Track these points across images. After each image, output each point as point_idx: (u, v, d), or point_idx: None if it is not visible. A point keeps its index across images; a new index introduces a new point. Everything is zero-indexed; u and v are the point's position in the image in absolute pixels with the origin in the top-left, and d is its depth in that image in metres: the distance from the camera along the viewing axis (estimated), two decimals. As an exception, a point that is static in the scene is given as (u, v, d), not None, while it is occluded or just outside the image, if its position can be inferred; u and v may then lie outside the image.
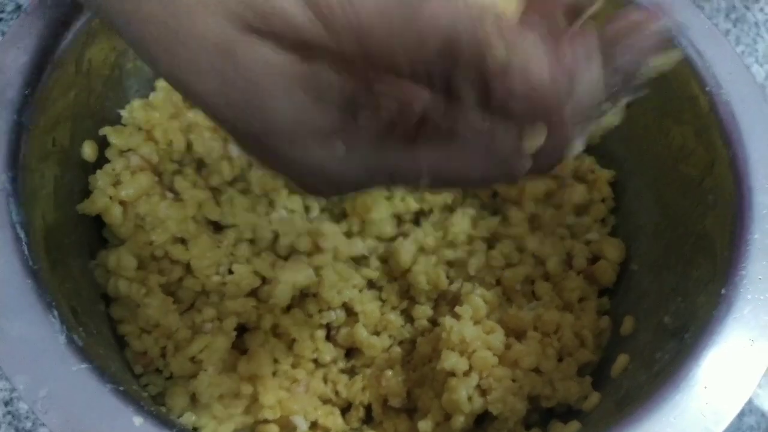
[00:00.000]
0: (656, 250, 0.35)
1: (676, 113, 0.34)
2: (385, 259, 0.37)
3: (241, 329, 0.35)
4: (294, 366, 0.35)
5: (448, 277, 0.37)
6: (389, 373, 0.35)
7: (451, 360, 0.33)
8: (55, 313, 0.23)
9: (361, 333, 0.35)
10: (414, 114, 0.19)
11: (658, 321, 0.32)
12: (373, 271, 0.37)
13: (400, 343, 0.37)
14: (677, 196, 0.34)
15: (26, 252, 0.24)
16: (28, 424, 0.34)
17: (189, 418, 0.31)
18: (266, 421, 0.34)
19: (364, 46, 0.18)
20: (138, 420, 0.22)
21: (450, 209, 0.39)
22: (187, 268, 0.35)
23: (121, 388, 0.22)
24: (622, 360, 0.33)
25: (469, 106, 0.19)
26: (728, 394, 0.25)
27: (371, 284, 0.37)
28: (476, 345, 0.33)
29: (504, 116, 0.19)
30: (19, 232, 0.24)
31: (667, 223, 0.35)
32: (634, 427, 0.26)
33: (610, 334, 0.36)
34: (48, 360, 0.22)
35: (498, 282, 0.37)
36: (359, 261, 0.37)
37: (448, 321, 0.34)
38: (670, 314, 0.31)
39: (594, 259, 0.38)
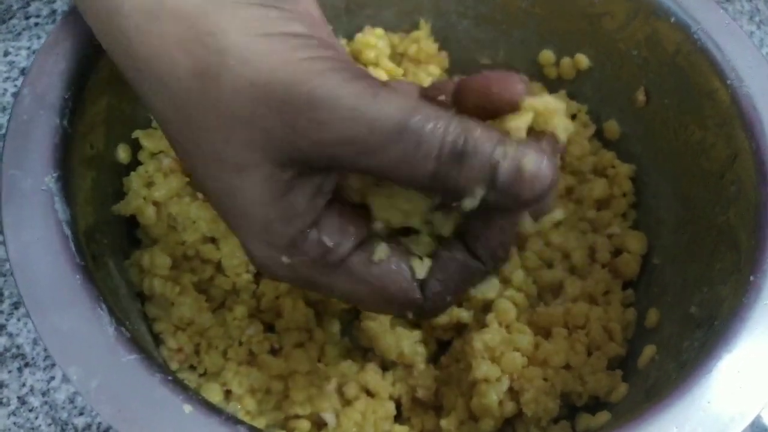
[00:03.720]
0: (679, 243, 0.36)
1: (695, 107, 0.34)
2: None
3: (270, 325, 0.36)
4: (326, 363, 0.35)
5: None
6: (421, 366, 0.35)
7: (483, 369, 0.33)
8: (103, 306, 0.24)
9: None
10: (337, 254, 0.24)
11: (683, 312, 0.32)
12: None
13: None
14: (698, 190, 0.35)
15: (73, 249, 0.25)
16: (65, 414, 0.35)
17: (235, 407, 0.32)
18: (297, 417, 0.34)
19: (359, 158, 0.22)
20: (187, 408, 0.22)
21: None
22: (218, 267, 0.35)
23: (170, 378, 0.23)
24: (648, 351, 0.34)
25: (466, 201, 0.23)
26: (761, 377, 0.26)
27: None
28: (504, 348, 0.34)
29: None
30: (66, 230, 0.25)
31: (689, 216, 0.35)
32: (666, 413, 0.26)
33: (635, 327, 0.36)
34: (98, 351, 0.23)
35: (533, 281, 0.37)
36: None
37: (475, 334, 0.35)
38: (696, 304, 0.32)
39: (616, 252, 0.38)
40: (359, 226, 0.24)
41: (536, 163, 0.21)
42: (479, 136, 0.21)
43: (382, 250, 0.24)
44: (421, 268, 0.25)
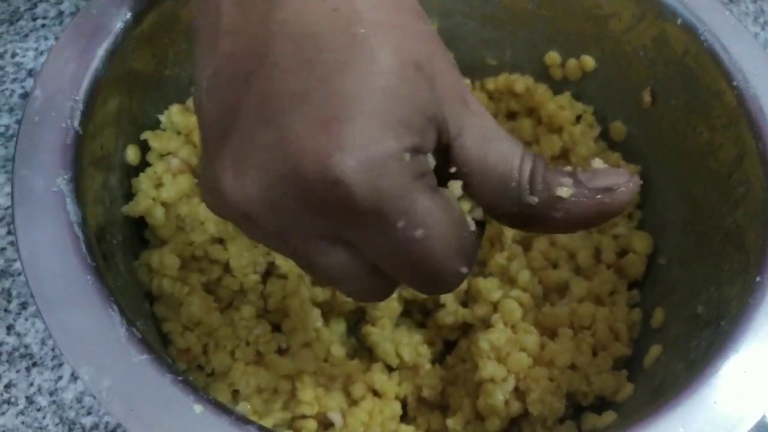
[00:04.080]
0: (686, 243, 0.36)
1: (703, 108, 0.35)
2: None
3: (277, 325, 0.36)
4: (332, 363, 0.35)
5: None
6: (427, 366, 0.35)
7: (489, 369, 0.33)
8: (115, 307, 0.24)
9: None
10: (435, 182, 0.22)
11: (690, 312, 0.32)
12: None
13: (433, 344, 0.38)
14: (706, 190, 0.35)
15: (84, 249, 0.25)
16: (72, 414, 0.35)
17: (244, 407, 0.32)
18: (304, 417, 0.34)
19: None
20: (198, 408, 0.22)
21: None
22: (226, 267, 0.36)
23: (180, 378, 0.23)
24: (654, 351, 0.34)
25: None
26: (768, 378, 0.26)
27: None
28: (510, 348, 0.34)
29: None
30: (77, 231, 0.25)
31: (696, 216, 0.35)
32: (673, 413, 0.26)
33: (641, 327, 0.36)
34: (110, 352, 0.23)
35: (538, 281, 0.37)
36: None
37: (481, 334, 0.35)
38: (703, 304, 0.32)
39: (622, 253, 0.38)
40: None
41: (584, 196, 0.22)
42: (547, 173, 0.22)
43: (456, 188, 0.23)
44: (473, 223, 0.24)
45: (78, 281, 0.24)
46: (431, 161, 0.22)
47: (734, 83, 0.32)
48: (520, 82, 0.41)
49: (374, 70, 0.20)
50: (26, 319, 0.38)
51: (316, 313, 0.36)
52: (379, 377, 0.35)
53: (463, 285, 0.37)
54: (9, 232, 0.40)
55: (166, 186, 0.34)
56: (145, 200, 0.33)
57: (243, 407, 0.32)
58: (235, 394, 0.34)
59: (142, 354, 0.23)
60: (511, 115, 0.43)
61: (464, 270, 0.23)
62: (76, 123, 0.28)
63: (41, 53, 0.46)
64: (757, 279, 0.28)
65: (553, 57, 0.41)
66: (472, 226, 0.23)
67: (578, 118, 0.41)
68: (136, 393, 0.23)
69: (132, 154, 0.34)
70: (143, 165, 0.35)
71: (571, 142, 0.40)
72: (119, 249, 0.32)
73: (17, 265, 0.39)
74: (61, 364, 0.37)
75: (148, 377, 0.23)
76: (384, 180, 0.20)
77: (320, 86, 0.20)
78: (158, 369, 0.23)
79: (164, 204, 0.34)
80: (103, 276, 0.25)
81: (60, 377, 0.36)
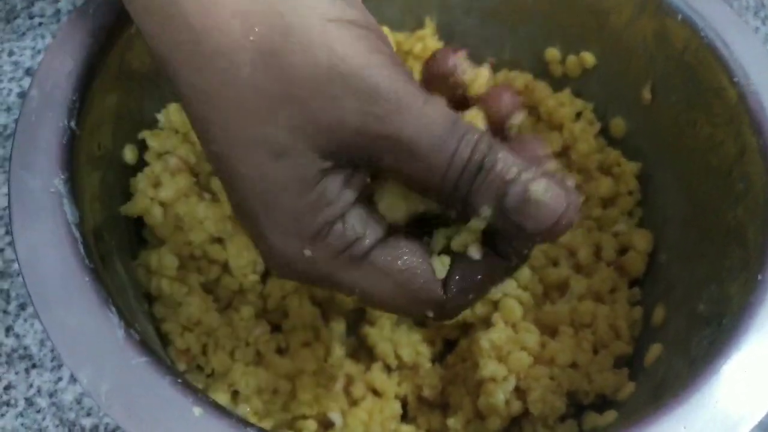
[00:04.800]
0: (686, 240, 0.36)
1: (703, 104, 0.34)
2: None
3: (277, 325, 0.36)
4: (332, 363, 0.35)
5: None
6: (427, 365, 0.35)
7: (490, 368, 0.33)
8: (113, 309, 0.24)
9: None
10: (363, 246, 0.23)
11: (691, 309, 0.32)
12: None
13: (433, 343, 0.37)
14: (706, 187, 0.35)
15: (82, 251, 0.25)
16: (72, 415, 0.35)
17: (244, 410, 0.32)
18: (304, 417, 0.34)
19: (396, 155, 0.22)
20: (198, 410, 0.22)
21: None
22: (225, 267, 0.35)
23: (179, 380, 0.23)
24: (655, 349, 0.34)
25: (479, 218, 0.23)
26: (770, 376, 0.26)
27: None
28: (511, 347, 0.34)
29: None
30: (75, 232, 0.25)
31: (696, 213, 0.35)
32: (672, 412, 0.26)
33: (642, 325, 0.36)
34: (108, 354, 0.23)
35: (539, 280, 0.37)
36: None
37: (481, 333, 0.35)
38: (704, 302, 0.32)
39: (622, 250, 0.38)
40: (382, 221, 0.24)
41: (545, 192, 0.21)
42: (502, 156, 0.22)
43: (405, 244, 0.24)
44: (442, 266, 0.24)
45: (76, 282, 0.24)
46: (354, 228, 0.23)
47: (735, 79, 0.32)
48: (520, 79, 0.41)
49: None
50: (25, 320, 0.38)
51: (316, 312, 0.36)
52: (379, 377, 0.35)
53: None
54: (7, 233, 0.40)
55: (165, 185, 0.34)
56: (143, 200, 0.33)
57: (243, 409, 0.32)
58: (235, 394, 0.33)
59: (140, 356, 0.23)
60: (511, 112, 0.42)
61: (430, 314, 0.24)
62: (72, 122, 0.28)
63: (38, 52, 0.46)
64: (759, 277, 0.28)
65: (552, 53, 0.41)
66: (440, 273, 0.24)
67: (578, 115, 0.41)
68: (135, 396, 0.22)
69: (129, 153, 0.34)
70: (141, 164, 0.35)
71: (572, 139, 0.40)
72: (117, 249, 0.32)
73: (16, 266, 0.39)
74: (60, 366, 0.36)
75: (147, 380, 0.23)
76: (301, 274, 0.23)
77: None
78: (157, 371, 0.23)
79: (162, 203, 0.34)
80: (101, 277, 0.25)
81: (59, 378, 0.36)
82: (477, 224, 0.23)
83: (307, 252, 0.23)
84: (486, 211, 0.22)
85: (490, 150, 0.22)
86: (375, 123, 0.21)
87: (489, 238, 0.24)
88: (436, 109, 0.22)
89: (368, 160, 0.22)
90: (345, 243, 0.23)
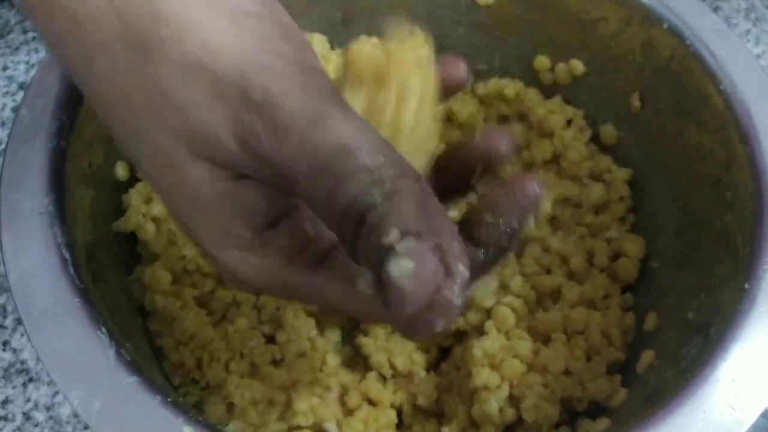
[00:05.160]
0: (677, 247, 0.36)
1: (691, 113, 0.35)
2: None
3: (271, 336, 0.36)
4: (327, 373, 0.35)
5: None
6: (422, 374, 0.35)
7: (483, 376, 0.33)
8: (103, 329, 0.24)
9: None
10: (319, 246, 0.21)
11: (681, 317, 0.33)
12: None
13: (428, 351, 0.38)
14: (695, 194, 0.35)
15: (72, 272, 0.25)
16: (69, 429, 0.35)
17: (235, 427, 0.32)
18: (300, 428, 0.34)
19: (284, 180, 0.19)
20: (188, 430, 0.23)
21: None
22: (219, 280, 0.36)
23: (170, 399, 0.23)
24: (647, 356, 0.34)
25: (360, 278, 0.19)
26: (756, 386, 0.26)
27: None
28: (504, 355, 0.34)
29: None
30: (65, 253, 0.25)
31: (686, 220, 0.36)
32: (665, 421, 0.26)
33: (634, 331, 0.36)
34: (99, 375, 0.23)
35: (531, 287, 0.37)
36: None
37: (474, 341, 0.35)
38: (693, 310, 0.32)
39: (615, 256, 0.38)
40: None
41: (404, 274, 0.16)
42: (395, 211, 0.17)
43: None
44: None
45: (66, 304, 0.24)
46: (306, 230, 0.21)
47: (721, 87, 0.32)
48: (511, 87, 0.41)
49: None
50: (22, 335, 0.38)
51: (310, 322, 0.36)
52: (374, 386, 0.35)
53: None
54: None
55: (157, 201, 0.34)
56: (136, 216, 0.34)
57: (234, 427, 0.32)
58: (231, 406, 0.34)
59: (131, 376, 0.23)
60: (502, 120, 0.43)
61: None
62: (63, 142, 0.28)
63: (32, 66, 0.46)
64: (746, 286, 0.28)
65: (542, 62, 0.41)
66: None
67: (569, 122, 0.41)
68: (126, 415, 0.23)
69: (121, 169, 0.34)
70: (133, 180, 0.35)
71: (562, 147, 0.40)
72: (111, 265, 0.32)
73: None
74: (57, 379, 0.37)
75: (138, 399, 0.23)
76: (249, 284, 0.22)
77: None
78: (148, 391, 0.23)
79: (155, 219, 0.34)
80: (93, 297, 0.25)
81: (56, 392, 0.36)
82: (363, 285, 0.19)
83: (254, 260, 0.21)
84: (366, 276, 0.18)
85: (386, 202, 0.17)
86: (251, 140, 0.18)
87: (464, 226, 0.21)
88: (332, 129, 0.18)
89: (256, 173, 0.19)
90: (298, 245, 0.21)
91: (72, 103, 0.30)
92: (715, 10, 0.50)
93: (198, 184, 0.20)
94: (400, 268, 0.16)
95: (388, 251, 0.16)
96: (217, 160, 0.19)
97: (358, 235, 0.17)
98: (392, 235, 0.16)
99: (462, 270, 0.17)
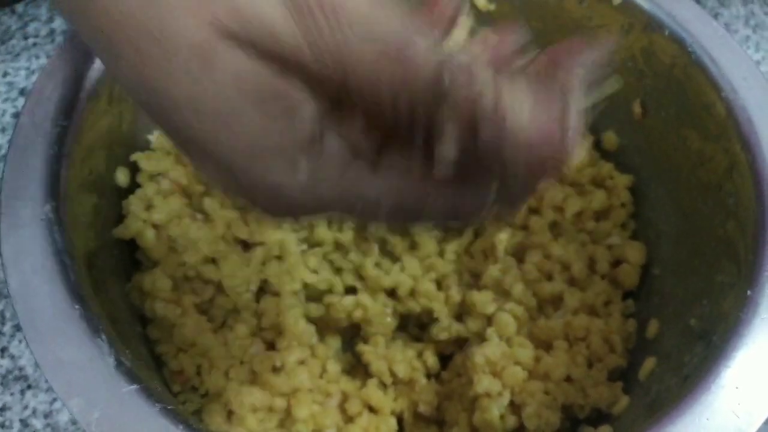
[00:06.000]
0: (679, 254, 0.36)
1: (693, 120, 0.34)
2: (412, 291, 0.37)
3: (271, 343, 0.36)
4: (327, 380, 0.35)
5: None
6: (423, 381, 0.35)
7: (484, 383, 0.33)
8: (103, 337, 0.24)
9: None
10: (371, 146, 0.19)
11: (684, 324, 0.32)
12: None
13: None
14: (697, 201, 0.35)
15: (72, 279, 0.25)
16: (68, 438, 0.35)
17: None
18: (300, 435, 0.34)
19: (347, 73, 0.17)
20: (188, 438, 0.23)
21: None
22: (219, 287, 0.36)
23: (169, 408, 0.23)
24: (649, 363, 0.34)
25: (443, 147, 0.18)
26: (760, 393, 0.26)
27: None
28: (505, 362, 0.34)
29: (480, 164, 0.19)
30: (65, 260, 0.25)
31: (688, 227, 0.35)
32: (667, 428, 0.26)
33: (636, 338, 0.36)
34: (99, 383, 0.23)
35: (532, 294, 0.37)
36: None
37: (475, 348, 0.35)
38: (696, 317, 0.32)
39: (616, 263, 0.38)
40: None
41: (526, 108, 0.17)
42: (474, 68, 0.17)
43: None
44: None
45: (66, 311, 0.24)
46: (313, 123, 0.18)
47: (723, 94, 0.32)
48: (512, 93, 0.41)
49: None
50: (20, 342, 0.38)
51: (311, 329, 0.36)
52: (374, 393, 0.35)
53: (457, 298, 0.37)
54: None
55: (157, 207, 0.34)
56: (136, 222, 0.33)
57: (234, 433, 0.32)
58: (230, 414, 0.34)
59: (131, 384, 0.23)
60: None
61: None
62: (64, 149, 0.28)
63: (33, 72, 0.46)
64: (748, 293, 0.28)
65: (543, 67, 0.41)
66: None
67: (570, 129, 0.41)
68: (125, 424, 0.23)
69: (122, 176, 0.34)
70: (133, 186, 0.35)
71: (564, 153, 0.40)
72: (111, 272, 0.32)
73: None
74: (56, 386, 0.37)
75: (138, 408, 0.23)
76: (299, 204, 0.19)
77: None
78: (147, 399, 0.23)
79: (155, 226, 0.34)
80: (93, 305, 0.25)
81: (54, 399, 0.36)
82: (447, 152, 0.18)
83: (304, 168, 0.18)
84: (451, 132, 0.18)
85: (461, 68, 0.17)
86: (308, 18, 0.17)
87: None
88: (395, 13, 0.17)
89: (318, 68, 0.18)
90: (353, 147, 0.19)
91: (73, 110, 0.30)
92: (715, 16, 0.50)
93: (238, 79, 0.17)
94: (516, 101, 0.17)
95: (483, 95, 0.16)
96: (263, 48, 0.17)
97: (437, 109, 0.17)
98: (485, 78, 0.16)
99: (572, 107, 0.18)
